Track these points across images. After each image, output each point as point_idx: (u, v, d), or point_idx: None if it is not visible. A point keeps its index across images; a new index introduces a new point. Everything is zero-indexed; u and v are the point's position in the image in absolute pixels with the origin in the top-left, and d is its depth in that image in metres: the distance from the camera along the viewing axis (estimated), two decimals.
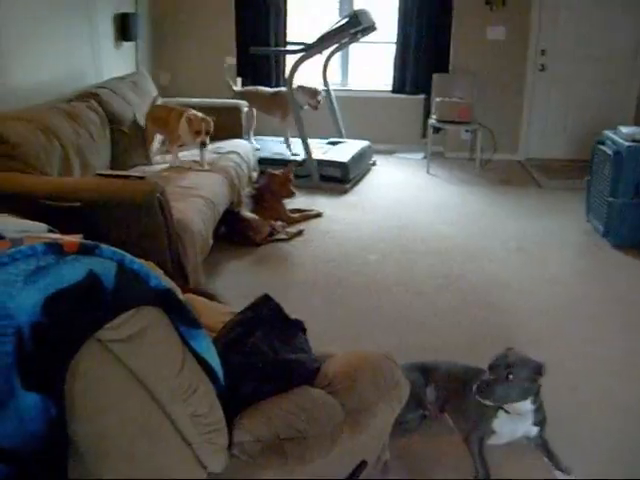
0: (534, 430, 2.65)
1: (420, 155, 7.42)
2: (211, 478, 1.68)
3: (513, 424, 2.62)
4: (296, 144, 6.44)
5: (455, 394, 2.82)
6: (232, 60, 6.45)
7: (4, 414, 1.37)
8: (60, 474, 1.46)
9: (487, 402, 2.51)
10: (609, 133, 5.08)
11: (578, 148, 7.20)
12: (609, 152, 4.89)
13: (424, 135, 7.39)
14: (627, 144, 4.73)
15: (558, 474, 2.58)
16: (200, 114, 4.73)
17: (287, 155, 6.44)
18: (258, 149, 6.40)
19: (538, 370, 2.48)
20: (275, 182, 5.15)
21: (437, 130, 7.18)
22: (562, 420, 2.81)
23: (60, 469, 1.47)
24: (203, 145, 4.72)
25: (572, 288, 4.27)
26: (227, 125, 5.42)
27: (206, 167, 4.79)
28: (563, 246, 5.01)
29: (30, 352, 1.35)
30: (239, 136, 5.67)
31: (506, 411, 2.59)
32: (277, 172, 5.23)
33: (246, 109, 5.99)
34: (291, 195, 5.24)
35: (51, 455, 1.43)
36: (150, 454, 1.52)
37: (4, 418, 1.38)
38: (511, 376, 2.45)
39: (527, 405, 2.57)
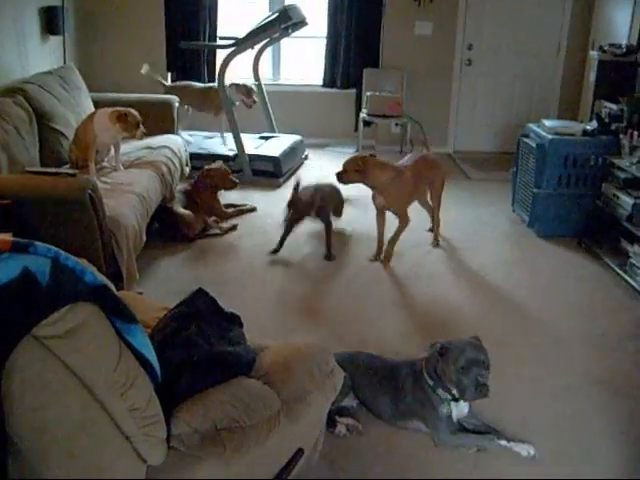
0: (466, 408, 2.74)
1: (352, 149, 7.50)
2: (151, 474, 1.71)
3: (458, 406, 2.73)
4: (229, 139, 6.44)
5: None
6: (147, 67, 6.38)
7: None
8: (0, 475, 1.47)
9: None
10: (533, 126, 5.25)
11: (504, 141, 7.42)
12: (533, 145, 5.05)
13: (356, 129, 7.48)
14: (550, 137, 4.91)
15: (515, 446, 2.66)
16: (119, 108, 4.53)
17: (218, 150, 6.43)
18: (190, 143, 6.38)
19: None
20: (214, 176, 5.12)
21: (368, 124, 7.28)
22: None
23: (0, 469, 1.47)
24: (144, 135, 4.57)
25: (499, 277, 4.41)
26: (159, 120, 5.38)
27: (122, 168, 4.60)
28: (491, 236, 5.16)
29: None
30: (171, 131, 5.62)
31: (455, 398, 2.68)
32: (215, 166, 5.21)
33: (177, 104, 5.93)
34: (234, 186, 5.23)
35: None
36: (89, 449, 1.54)
37: None
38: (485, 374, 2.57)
39: None
